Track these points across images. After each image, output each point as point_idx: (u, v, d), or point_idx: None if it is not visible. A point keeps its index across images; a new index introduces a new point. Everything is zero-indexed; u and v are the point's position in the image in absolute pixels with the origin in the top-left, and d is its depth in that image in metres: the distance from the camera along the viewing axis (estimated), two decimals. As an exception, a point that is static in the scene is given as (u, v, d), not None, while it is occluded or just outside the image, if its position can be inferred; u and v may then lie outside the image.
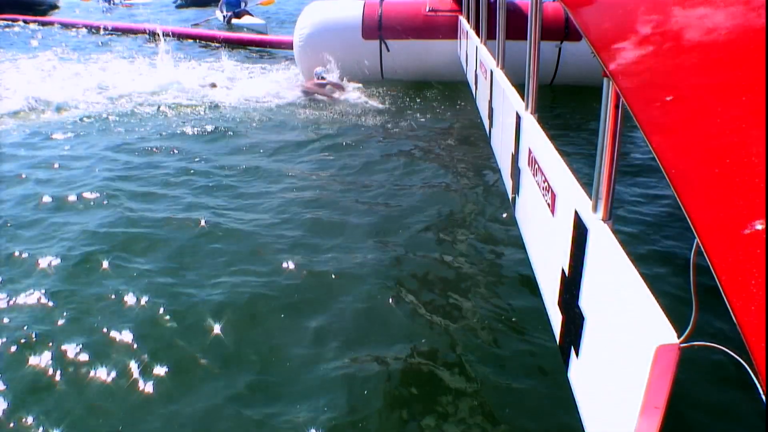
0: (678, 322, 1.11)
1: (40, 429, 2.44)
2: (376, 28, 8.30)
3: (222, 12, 17.01)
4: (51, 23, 17.82)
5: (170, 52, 9.91)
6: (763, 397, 0.68)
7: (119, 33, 15.58)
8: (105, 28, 15.97)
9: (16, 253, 3.82)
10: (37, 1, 22.63)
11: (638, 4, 1.22)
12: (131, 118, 7.21)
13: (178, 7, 24.08)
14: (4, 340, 2.98)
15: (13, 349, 2.92)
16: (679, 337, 1.08)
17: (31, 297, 3.33)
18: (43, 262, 3.69)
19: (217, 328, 3.01)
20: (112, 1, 25.27)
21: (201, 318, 3.08)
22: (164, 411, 2.52)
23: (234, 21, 16.33)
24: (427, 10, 8.38)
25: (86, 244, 3.89)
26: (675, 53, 0.98)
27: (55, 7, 24.07)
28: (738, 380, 2.41)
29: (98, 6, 24.65)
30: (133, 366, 2.77)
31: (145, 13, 20.94)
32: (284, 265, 3.59)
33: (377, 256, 3.74)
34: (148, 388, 2.65)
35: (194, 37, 14.17)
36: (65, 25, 17.28)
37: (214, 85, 8.61)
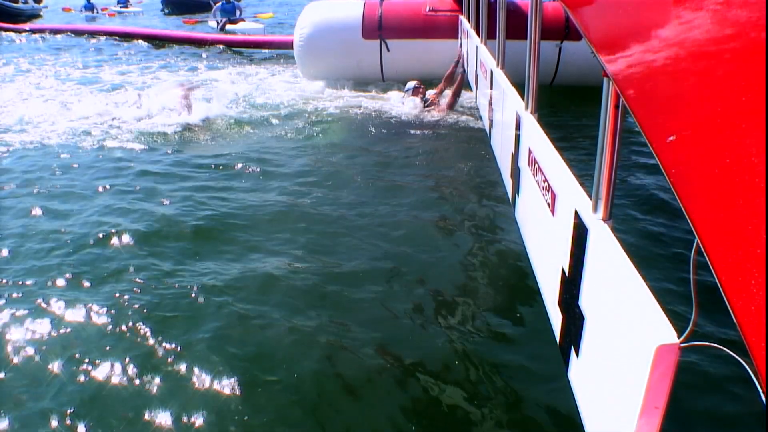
0: (678, 322, 1.11)
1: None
2: (377, 28, 8.31)
3: (216, 18, 17.03)
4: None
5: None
6: (763, 397, 0.68)
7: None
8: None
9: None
10: (17, 10, 22.56)
11: (638, 4, 1.22)
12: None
13: (168, 14, 24.17)
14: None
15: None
16: (679, 337, 1.08)
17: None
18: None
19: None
20: (95, 9, 24.99)
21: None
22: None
23: (229, 26, 16.34)
24: (428, 9, 8.38)
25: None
26: (675, 53, 0.98)
27: (36, 16, 23.94)
28: (738, 380, 2.41)
29: (81, 15, 24.43)
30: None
31: (131, 21, 20.87)
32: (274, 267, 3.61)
33: (374, 256, 3.74)
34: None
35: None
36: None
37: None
